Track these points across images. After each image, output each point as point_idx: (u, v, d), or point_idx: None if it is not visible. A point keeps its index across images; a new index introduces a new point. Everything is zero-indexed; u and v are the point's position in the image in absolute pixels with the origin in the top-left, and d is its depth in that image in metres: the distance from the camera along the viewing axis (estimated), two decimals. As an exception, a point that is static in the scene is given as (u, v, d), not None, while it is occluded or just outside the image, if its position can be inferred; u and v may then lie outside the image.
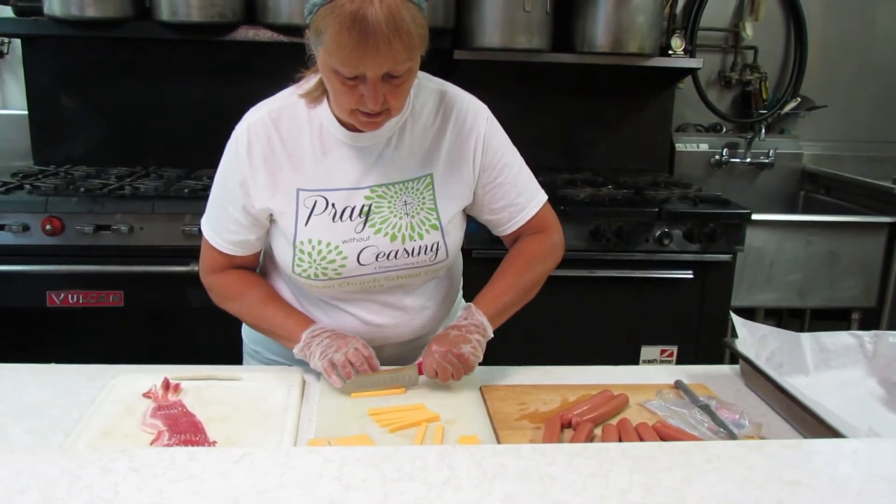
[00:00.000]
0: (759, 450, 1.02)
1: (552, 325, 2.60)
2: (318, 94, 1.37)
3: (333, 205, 1.38)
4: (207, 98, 3.03)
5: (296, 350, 1.40)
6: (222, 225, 1.43)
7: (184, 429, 1.19)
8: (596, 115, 3.27)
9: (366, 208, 1.38)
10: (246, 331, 1.64)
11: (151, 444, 1.17)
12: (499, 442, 1.23)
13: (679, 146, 3.39)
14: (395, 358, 1.52)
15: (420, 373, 1.40)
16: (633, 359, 2.72)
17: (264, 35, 2.75)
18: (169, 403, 1.28)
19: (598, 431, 1.25)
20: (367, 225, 1.38)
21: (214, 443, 1.17)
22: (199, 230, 1.51)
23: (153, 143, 3.05)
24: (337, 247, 1.38)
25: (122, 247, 2.45)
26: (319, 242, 1.38)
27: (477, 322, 1.42)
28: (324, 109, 1.38)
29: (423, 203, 1.41)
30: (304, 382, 1.41)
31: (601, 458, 0.98)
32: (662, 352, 2.73)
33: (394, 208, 1.39)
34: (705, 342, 2.71)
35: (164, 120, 3.04)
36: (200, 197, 2.51)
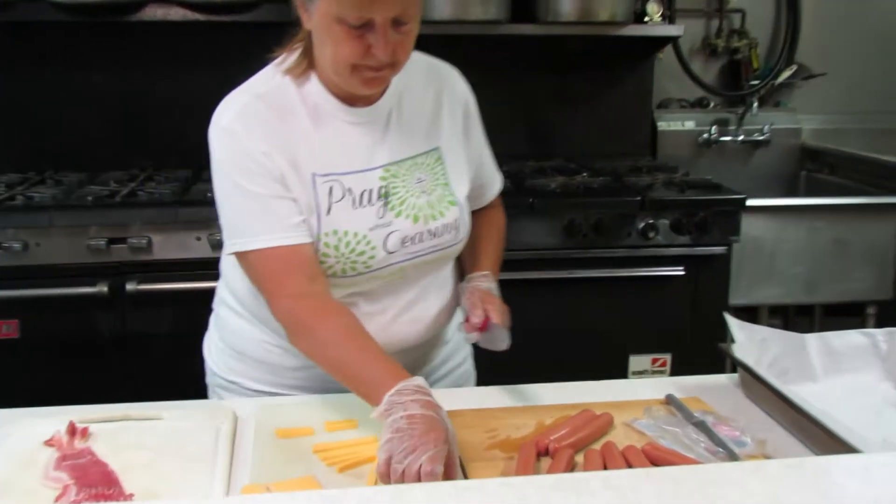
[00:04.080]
0: (759, 472, 1.03)
1: (524, 337, 2.60)
2: (303, 68, 1.43)
3: (350, 190, 1.43)
4: (113, 90, 2.99)
5: (375, 414, 1.24)
6: (269, 214, 1.37)
7: (94, 481, 1.18)
8: (565, 93, 3.29)
9: (383, 190, 1.45)
10: (217, 357, 1.62)
11: (56, 501, 1.15)
12: (466, 476, 1.23)
13: (661, 125, 3.42)
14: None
15: (482, 327, 1.45)
16: (620, 372, 2.74)
17: (176, 14, 2.72)
18: (76, 452, 1.26)
19: (579, 458, 1.26)
20: (388, 208, 1.45)
21: (132, 496, 1.16)
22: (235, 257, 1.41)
23: (49, 143, 3.00)
24: (365, 236, 1.43)
25: (16, 267, 2.42)
26: (346, 233, 1.42)
27: (495, 287, 1.56)
28: (314, 87, 1.43)
29: (437, 179, 1.50)
30: (235, 419, 1.40)
31: (579, 490, 0.98)
32: (654, 361, 2.76)
33: (409, 187, 1.47)
34: (702, 348, 2.72)
35: (62, 117, 2.99)
36: (107, 205, 2.49)
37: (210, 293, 2.32)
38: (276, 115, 1.40)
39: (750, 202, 2.71)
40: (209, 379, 1.66)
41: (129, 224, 2.45)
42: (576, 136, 3.32)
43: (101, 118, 2.99)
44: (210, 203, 2.54)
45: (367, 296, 1.49)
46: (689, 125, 3.44)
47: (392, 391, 1.22)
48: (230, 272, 1.57)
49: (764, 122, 3.46)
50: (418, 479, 1.11)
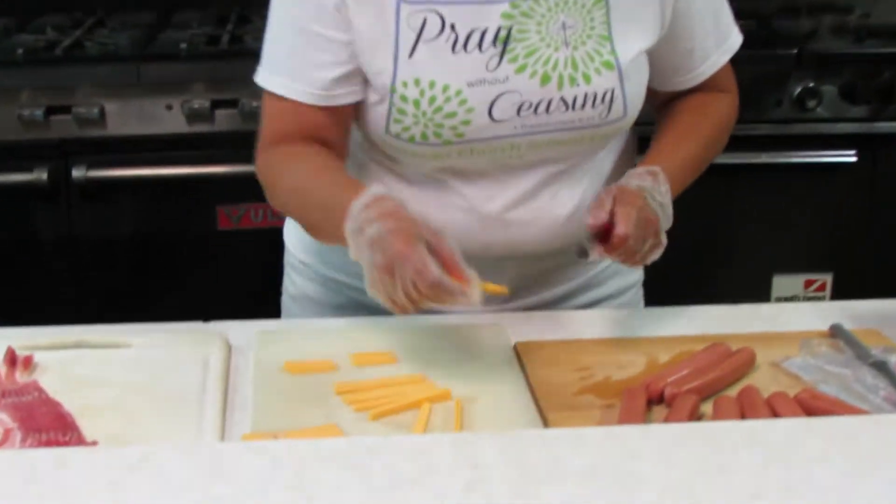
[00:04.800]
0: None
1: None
2: None
3: (453, 26, 1.42)
4: None
5: (349, 235, 1.33)
6: (306, 56, 1.46)
7: (44, 425, 1.21)
8: None
9: (503, 33, 1.43)
10: (292, 231, 1.71)
11: (-4, 449, 1.19)
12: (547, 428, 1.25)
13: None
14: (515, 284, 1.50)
15: (604, 239, 1.37)
16: (761, 295, 2.74)
17: None
18: (18, 387, 1.29)
19: (706, 408, 1.27)
20: (506, 59, 1.43)
21: (95, 443, 1.19)
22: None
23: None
24: (459, 92, 1.42)
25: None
26: (432, 85, 1.42)
27: (668, 204, 1.46)
28: None
29: (592, 28, 1.45)
30: (229, 347, 1.43)
31: (713, 445, 0.99)
32: (808, 283, 2.76)
33: (546, 35, 1.44)
34: (880, 264, 2.73)
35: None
36: (44, 61, 2.50)
37: (186, 180, 2.35)
38: None
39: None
40: (285, 258, 1.74)
41: (75, 87, 2.48)
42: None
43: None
44: (184, 58, 2.55)
45: (463, 175, 1.50)
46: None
47: (357, 202, 1.31)
48: None
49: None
50: (419, 293, 1.23)
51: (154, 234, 2.50)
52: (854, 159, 2.67)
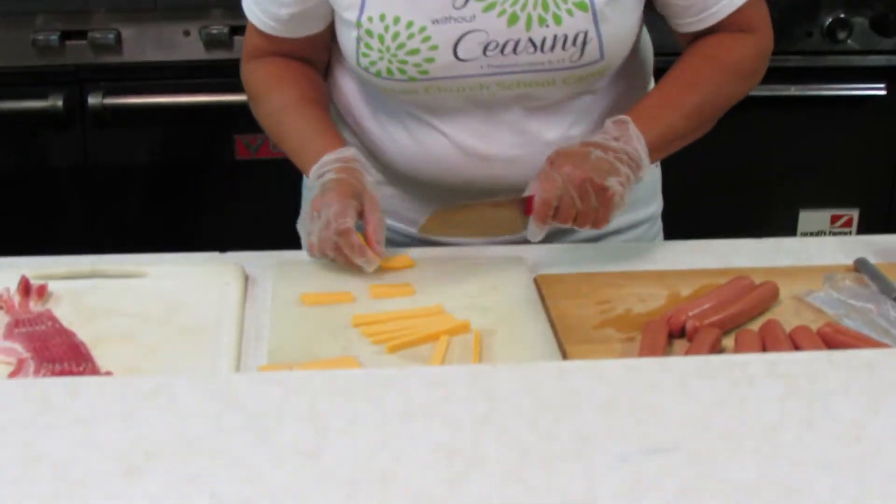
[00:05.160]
0: None
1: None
2: None
3: None
4: None
5: (312, 175, 1.50)
6: None
7: (58, 355, 1.21)
8: None
9: None
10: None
11: (11, 377, 1.19)
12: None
13: None
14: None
15: (528, 211, 1.40)
16: (787, 230, 2.73)
17: None
18: (32, 316, 1.30)
19: (728, 342, 1.27)
20: None
21: (109, 374, 1.20)
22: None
23: None
24: (423, 28, 1.43)
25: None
26: (396, 21, 1.43)
27: (631, 150, 1.43)
28: None
29: None
30: (245, 278, 1.43)
31: (735, 378, 0.99)
32: (835, 218, 2.75)
33: None
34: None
35: None
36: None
37: (204, 108, 2.33)
38: None
39: None
40: (302, 186, 1.74)
41: (90, 12, 2.45)
42: None
43: None
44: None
45: (441, 112, 1.51)
46: None
47: (316, 166, 1.48)
48: None
49: None
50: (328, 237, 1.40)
51: (171, 163, 2.49)
52: (884, 92, 2.64)
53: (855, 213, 2.74)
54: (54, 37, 2.43)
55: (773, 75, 2.58)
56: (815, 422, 0.94)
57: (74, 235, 2.52)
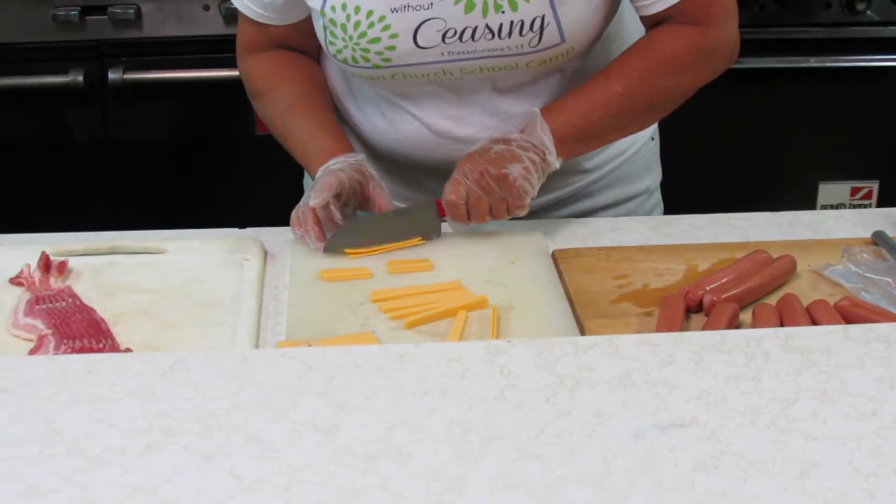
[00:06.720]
0: None
1: (671, 151, 2.58)
2: None
3: None
4: None
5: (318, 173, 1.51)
6: None
7: (78, 331, 1.22)
8: None
9: None
10: None
11: (31, 354, 1.20)
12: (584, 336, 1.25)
13: None
14: None
15: (441, 213, 1.44)
16: (806, 202, 2.72)
17: None
18: (52, 293, 1.31)
19: (745, 316, 1.27)
20: None
21: (129, 350, 1.20)
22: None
23: None
24: (382, 17, 1.43)
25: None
26: (357, 10, 1.43)
27: (537, 139, 1.44)
28: None
29: None
30: (264, 253, 1.44)
31: (750, 353, 0.99)
32: (854, 191, 2.74)
33: None
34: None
35: None
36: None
37: (223, 83, 2.34)
38: None
39: None
40: None
41: (110, -14, 2.46)
42: None
43: None
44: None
45: (411, 97, 1.53)
46: None
47: (324, 166, 1.48)
48: None
49: None
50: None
51: (190, 139, 2.50)
52: (904, 65, 2.63)
53: (875, 185, 2.74)
54: (74, 12, 2.44)
55: (793, 46, 2.59)
56: (831, 396, 0.94)
57: (94, 210, 2.53)
